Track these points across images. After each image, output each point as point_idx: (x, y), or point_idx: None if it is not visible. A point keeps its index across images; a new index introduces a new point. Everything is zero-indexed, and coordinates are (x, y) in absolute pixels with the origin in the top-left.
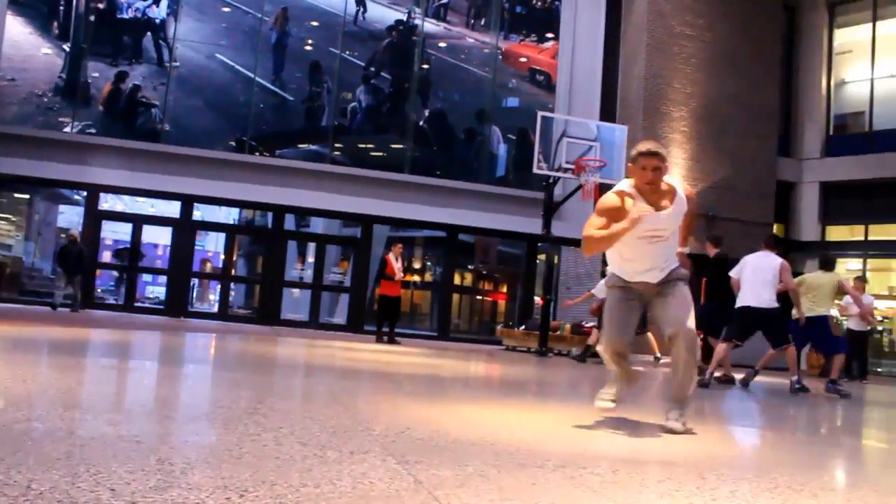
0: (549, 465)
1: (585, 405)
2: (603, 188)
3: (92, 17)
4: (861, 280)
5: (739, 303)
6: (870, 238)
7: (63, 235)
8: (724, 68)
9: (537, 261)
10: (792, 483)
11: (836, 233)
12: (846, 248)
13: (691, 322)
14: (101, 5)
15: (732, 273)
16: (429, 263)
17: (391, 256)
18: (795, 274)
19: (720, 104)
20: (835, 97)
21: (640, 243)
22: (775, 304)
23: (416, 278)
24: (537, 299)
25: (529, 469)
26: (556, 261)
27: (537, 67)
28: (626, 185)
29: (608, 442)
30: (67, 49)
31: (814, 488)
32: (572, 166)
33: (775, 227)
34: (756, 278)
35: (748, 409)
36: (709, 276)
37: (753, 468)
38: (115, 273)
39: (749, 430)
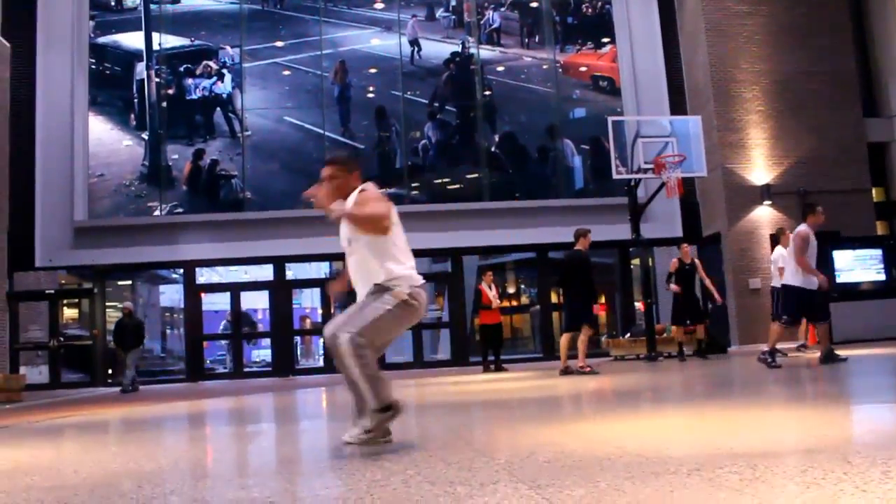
0: (683, 471)
1: (705, 404)
2: (686, 182)
3: (164, 104)
4: None
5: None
6: None
7: (124, 309)
8: (790, 39)
9: (631, 266)
10: None
11: None
12: None
13: (345, 329)
14: (170, 91)
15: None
16: (522, 286)
17: (484, 286)
18: None
19: (793, 76)
20: None
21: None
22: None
23: (514, 302)
24: (638, 305)
25: (664, 477)
26: (650, 263)
27: (599, 74)
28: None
29: (738, 439)
30: (146, 137)
31: None
32: (652, 166)
33: (874, 191)
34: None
35: (861, 384)
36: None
37: None
38: (223, 342)
39: (888, 406)
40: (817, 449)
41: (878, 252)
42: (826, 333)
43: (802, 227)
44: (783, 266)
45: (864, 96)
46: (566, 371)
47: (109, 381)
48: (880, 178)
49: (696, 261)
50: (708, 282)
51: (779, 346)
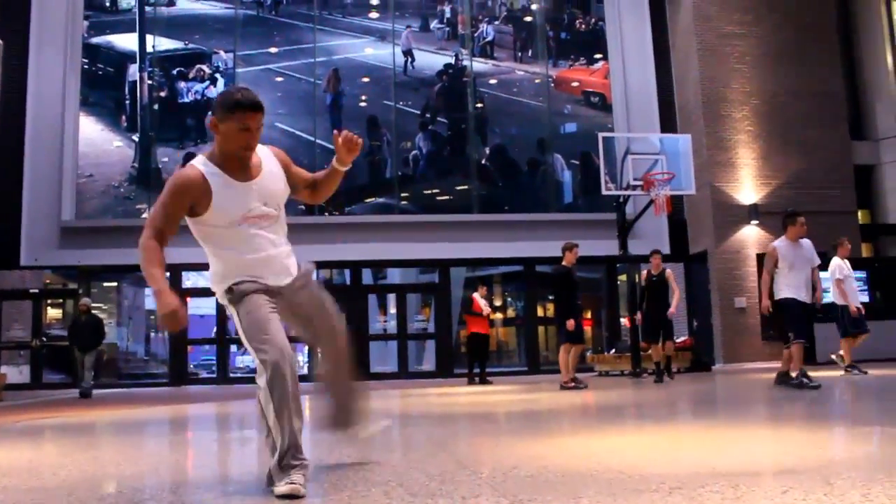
0: (664, 488)
1: (688, 422)
2: (674, 200)
3: (156, 106)
4: None
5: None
6: None
7: (81, 306)
8: (781, 61)
9: (618, 282)
10: None
11: None
12: None
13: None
14: (163, 93)
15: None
16: (509, 299)
17: (477, 295)
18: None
19: (782, 98)
20: None
21: (242, 230)
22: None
23: (500, 315)
24: (624, 321)
25: (646, 494)
26: (637, 279)
27: (591, 90)
28: (200, 161)
29: (721, 458)
30: (136, 139)
31: None
32: (641, 182)
33: (860, 213)
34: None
35: (863, 407)
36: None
37: (883, 468)
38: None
39: (870, 429)
40: (799, 470)
41: (862, 274)
42: (793, 354)
43: (773, 244)
44: (840, 278)
45: (851, 119)
46: (565, 385)
47: (92, 382)
48: (866, 200)
49: (668, 271)
50: (676, 295)
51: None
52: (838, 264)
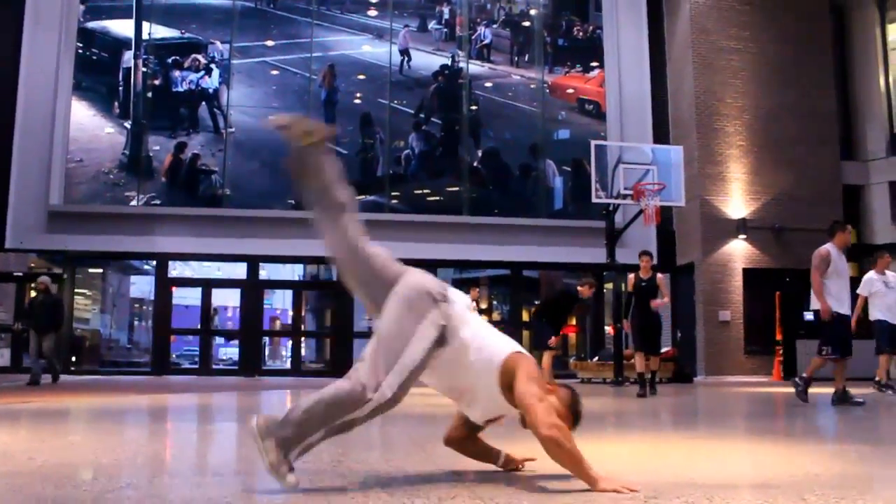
0: (640, 497)
1: (667, 432)
2: (664, 211)
3: (149, 94)
4: None
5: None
6: None
7: (39, 284)
8: (775, 77)
9: (604, 290)
10: None
11: None
12: None
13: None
14: (156, 81)
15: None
16: (495, 302)
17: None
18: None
19: (775, 114)
20: (895, 94)
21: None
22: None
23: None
24: (608, 329)
25: (622, 502)
26: (623, 288)
27: (585, 97)
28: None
29: (698, 469)
30: (128, 126)
31: None
32: (631, 192)
33: None
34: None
35: (840, 424)
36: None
37: (857, 485)
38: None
39: (845, 447)
40: (774, 484)
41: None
42: (838, 370)
43: (824, 246)
44: (869, 293)
45: (842, 139)
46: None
47: (73, 368)
48: (854, 220)
49: (660, 276)
50: (665, 299)
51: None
52: (872, 278)
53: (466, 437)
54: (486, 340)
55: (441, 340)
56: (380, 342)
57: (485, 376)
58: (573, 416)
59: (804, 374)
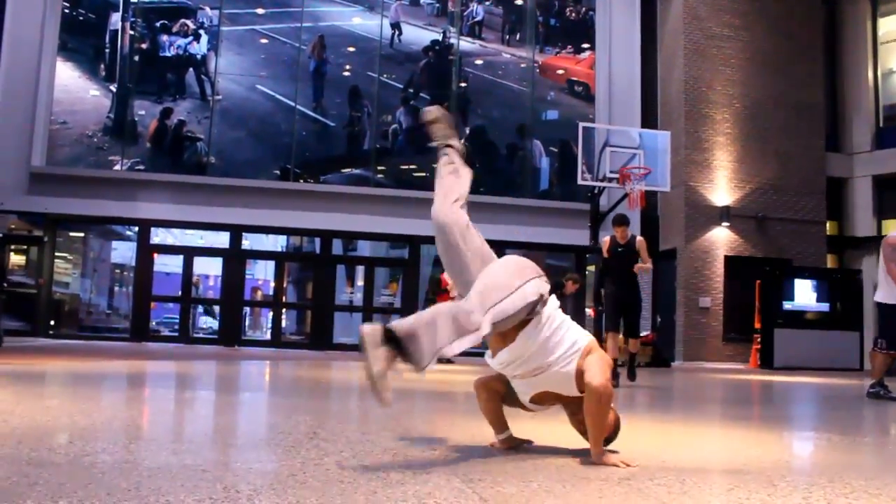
0: (613, 478)
1: (643, 416)
2: (648, 196)
3: (136, 58)
4: None
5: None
6: None
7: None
8: (765, 67)
9: (587, 272)
10: (868, 487)
11: (894, 227)
12: None
13: None
14: (144, 45)
15: None
16: None
17: (446, 275)
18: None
19: (763, 103)
20: (882, 88)
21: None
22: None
23: None
24: (589, 311)
25: (595, 483)
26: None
27: (575, 79)
28: None
29: (671, 452)
30: (114, 90)
31: (893, 493)
32: (617, 176)
33: (828, 224)
34: None
35: (813, 413)
36: None
37: (826, 473)
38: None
39: (817, 435)
40: (745, 470)
41: (824, 284)
42: (875, 362)
43: (892, 234)
44: None
45: (828, 131)
46: None
47: (51, 332)
48: (836, 212)
49: (640, 239)
50: (647, 265)
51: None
52: None
53: (495, 396)
54: (572, 325)
55: (535, 305)
56: (486, 287)
57: (566, 356)
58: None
59: (874, 380)
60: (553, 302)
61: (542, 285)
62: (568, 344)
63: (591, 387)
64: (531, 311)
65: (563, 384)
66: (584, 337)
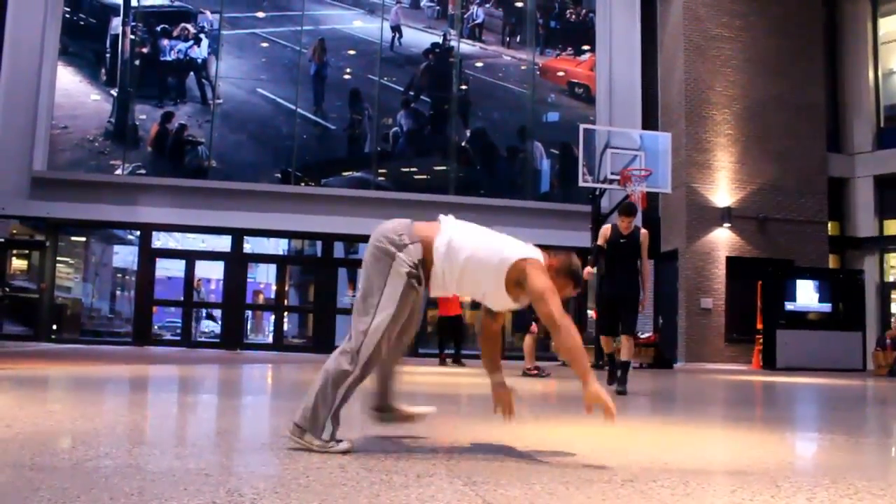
0: (617, 480)
1: (646, 418)
2: (650, 197)
3: (137, 62)
4: None
5: None
6: None
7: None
8: (766, 68)
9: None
10: (871, 488)
11: (895, 227)
12: None
13: None
14: (144, 50)
15: None
16: None
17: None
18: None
19: (764, 104)
20: (883, 88)
21: (477, 291)
22: None
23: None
24: (591, 313)
25: (598, 485)
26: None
27: (576, 81)
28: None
29: (674, 454)
30: (115, 94)
31: None
32: (618, 177)
33: (830, 225)
34: None
35: (815, 414)
36: None
37: (829, 474)
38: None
39: (820, 436)
40: (749, 471)
41: (826, 284)
42: None
43: None
44: None
45: (829, 131)
46: (528, 372)
47: (53, 336)
48: (837, 212)
49: (644, 232)
50: (647, 268)
51: None
52: None
53: (490, 336)
54: (483, 255)
55: (410, 288)
56: (354, 328)
57: (494, 281)
58: (572, 278)
59: None
60: (454, 248)
61: (402, 263)
62: (492, 272)
63: (554, 324)
64: (415, 284)
65: (505, 302)
66: (505, 259)
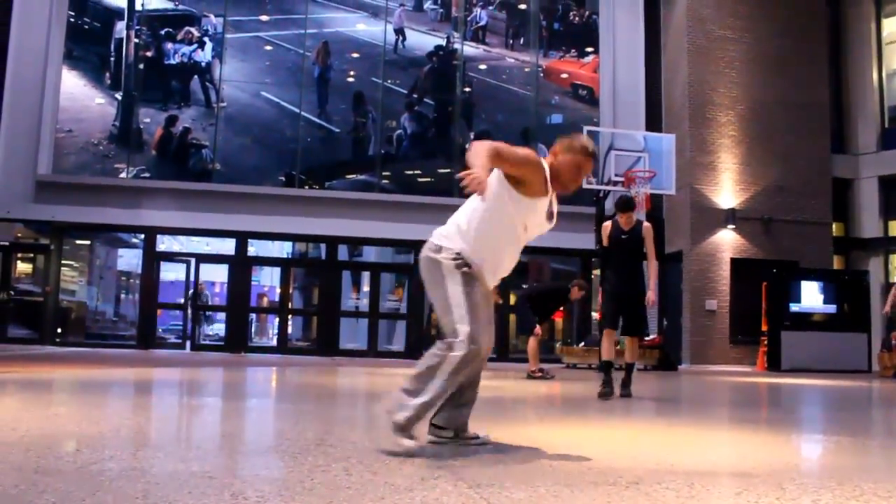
0: (622, 482)
1: (651, 420)
2: (654, 198)
3: (141, 66)
4: None
5: None
6: None
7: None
8: (770, 68)
9: (592, 276)
10: (878, 490)
11: None
12: None
13: None
14: (149, 53)
15: None
16: None
17: None
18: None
19: (768, 105)
20: (887, 88)
21: (511, 229)
22: None
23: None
24: (595, 315)
25: (602, 487)
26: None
27: (579, 82)
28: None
29: (679, 456)
30: (119, 97)
31: None
32: (622, 179)
33: (834, 226)
34: None
35: (821, 416)
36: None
37: (835, 476)
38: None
39: (825, 437)
40: (754, 473)
41: (831, 285)
42: None
43: None
44: None
45: (833, 132)
46: (532, 374)
47: (58, 339)
48: (841, 213)
49: (647, 225)
50: (654, 265)
51: None
52: None
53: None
54: (476, 207)
55: (467, 275)
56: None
57: (497, 186)
58: (578, 151)
59: None
60: (456, 221)
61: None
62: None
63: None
64: (467, 270)
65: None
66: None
